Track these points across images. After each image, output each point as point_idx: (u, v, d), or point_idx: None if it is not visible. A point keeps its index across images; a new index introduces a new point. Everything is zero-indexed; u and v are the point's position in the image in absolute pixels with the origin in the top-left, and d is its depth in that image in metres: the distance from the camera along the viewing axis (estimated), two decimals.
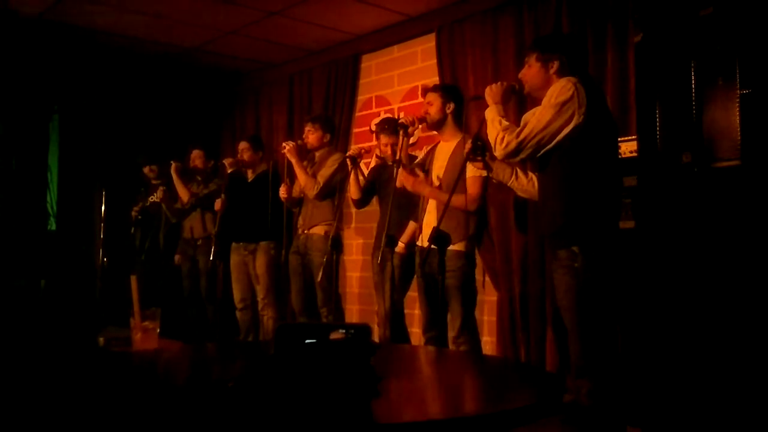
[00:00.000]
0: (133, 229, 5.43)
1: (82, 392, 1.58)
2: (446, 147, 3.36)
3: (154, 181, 5.37)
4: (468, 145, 2.86)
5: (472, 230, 3.25)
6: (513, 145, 2.50)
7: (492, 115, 2.63)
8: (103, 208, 5.53)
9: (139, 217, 5.38)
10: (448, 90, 3.42)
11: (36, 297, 5.14)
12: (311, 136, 4.29)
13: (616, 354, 2.59)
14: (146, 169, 5.41)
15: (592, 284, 2.44)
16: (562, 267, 2.48)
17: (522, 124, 2.56)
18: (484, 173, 3.07)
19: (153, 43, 5.42)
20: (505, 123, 2.58)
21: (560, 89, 2.45)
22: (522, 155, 2.53)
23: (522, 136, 2.48)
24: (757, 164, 2.50)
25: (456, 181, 2.97)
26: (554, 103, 2.44)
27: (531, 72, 2.65)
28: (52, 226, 5.60)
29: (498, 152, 2.57)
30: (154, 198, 5.28)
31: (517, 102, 3.74)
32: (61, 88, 5.61)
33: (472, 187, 3.21)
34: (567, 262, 2.46)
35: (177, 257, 5.19)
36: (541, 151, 2.50)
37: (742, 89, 2.53)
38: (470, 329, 3.25)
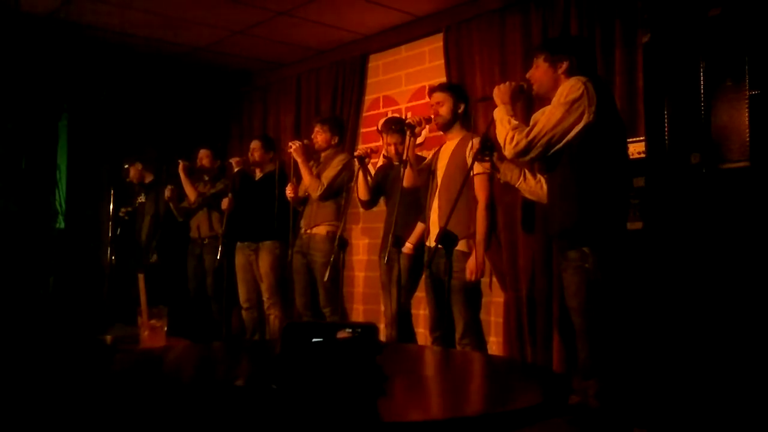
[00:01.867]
0: (119, 230, 5.50)
1: (89, 390, 1.58)
2: (449, 146, 3.35)
3: (147, 180, 5.47)
4: (476, 145, 2.85)
5: (473, 229, 3.23)
6: (523, 143, 2.48)
7: (501, 115, 2.61)
8: (111, 206, 5.57)
9: (126, 218, 5.47)
10: (457, 90, 3.41)
11: (44, 295, 5.17)
12: (320, 137, 4.28)
13: (624, 355, 2.58)
14: (132, 171, 5.48)
15: (602, 285, 2.42)
16: (572, 267, 2.46)
17: (531, 123, 2.54)
18: (490, 171, 3.06)
19: (161, 42, 5.43)
20: (514, 122, 2.56)
21: (570, 88, 2.44)
22: (532, 154, 2.51)
23: (532, 135, 2.47)
24: (765, 165, 2.48)
25: (464, 182, 2.96)
26: (564, 101, 2.43)
27: (539, 72, 2.64)
28: (61, 224, 5.63)
29: (508, 151, 2.55)
30: (141, 199, 5.37)
31: (525, 103, 3.73)
32: (70, 87, 5.64)
33: (480, 187, 3.20)
34: (577, 263, 2.44)
35: (154, 256, 5.22)
36: (551, 150, 2.49)
37: (751, 90, 2.52)
38: (474, 330, 3.23)
